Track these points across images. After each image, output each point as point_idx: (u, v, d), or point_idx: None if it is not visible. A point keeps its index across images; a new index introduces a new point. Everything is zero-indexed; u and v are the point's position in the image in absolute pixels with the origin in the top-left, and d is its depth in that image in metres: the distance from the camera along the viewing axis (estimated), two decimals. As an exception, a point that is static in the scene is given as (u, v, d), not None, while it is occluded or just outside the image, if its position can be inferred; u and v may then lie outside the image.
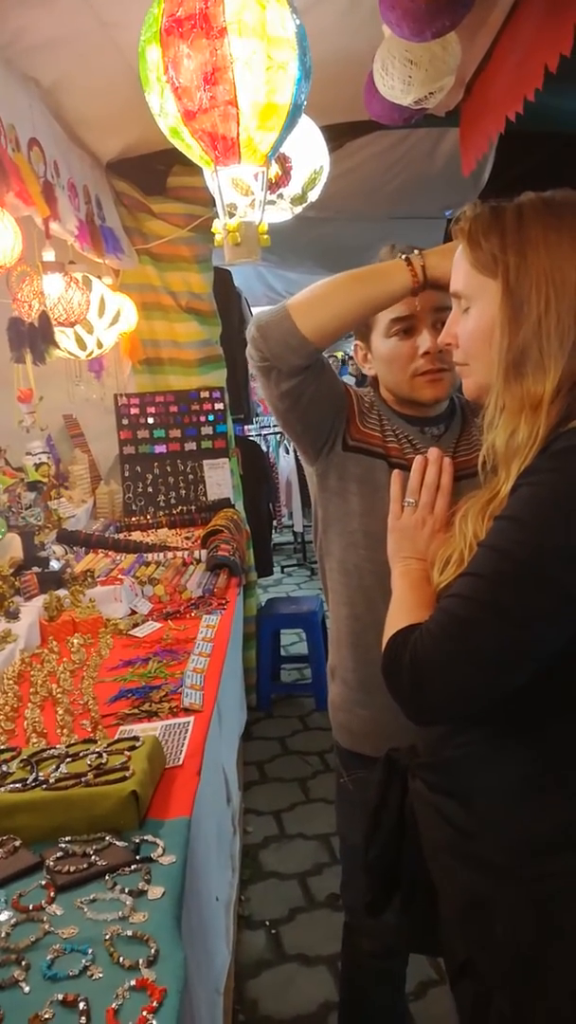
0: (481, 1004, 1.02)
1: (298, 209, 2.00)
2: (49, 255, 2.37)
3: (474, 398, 1.09)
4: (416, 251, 1.35)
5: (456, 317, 1.09)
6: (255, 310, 4.80)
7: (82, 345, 2.85)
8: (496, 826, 1.01)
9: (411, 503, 1.22)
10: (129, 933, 0.98)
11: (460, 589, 0.95)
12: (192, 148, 1.31)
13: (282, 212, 1.99)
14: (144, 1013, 0.85)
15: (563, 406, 0.95)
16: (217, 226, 1.37)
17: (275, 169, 1.84)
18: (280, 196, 1.92)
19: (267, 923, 2.50)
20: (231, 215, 1.37)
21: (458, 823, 1.04)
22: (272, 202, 1.93)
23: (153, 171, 3.46)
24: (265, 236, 1.39)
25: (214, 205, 1.38)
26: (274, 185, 1.87)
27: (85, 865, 1.12)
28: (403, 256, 1.34)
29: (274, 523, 6.69)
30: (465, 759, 1.04)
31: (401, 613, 1.06)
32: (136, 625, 2.27)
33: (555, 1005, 0.95)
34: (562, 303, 0.95)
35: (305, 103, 1.34)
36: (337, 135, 3.01)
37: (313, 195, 1.99)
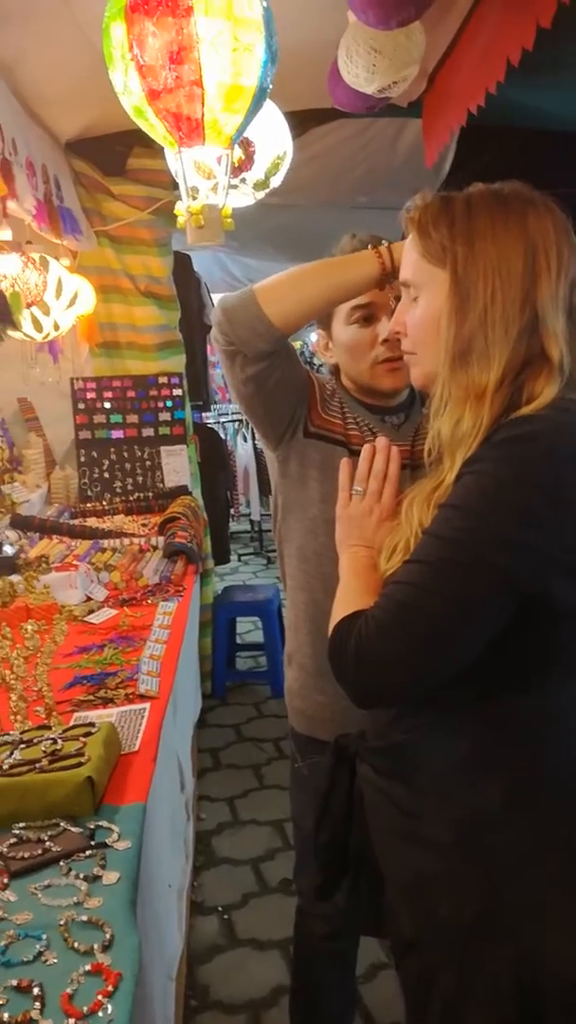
0: (425, 982, 1.04)
1: (260, 194, 1.99)
2: (6, 234, 2.32)
3: (421, 386, 1.11)
4: (384, 242, 1.36)
5: (405, 306, 1.10)
6: (215, 296, 4.76)
7: (38, 327, 2.80)
8: (440, 804, 1.03)
9: (359, 491, 1.22)
10: (84, 918, 0.97)
11: (404, 576, 0.97)
12: (156, 128, 1.29)
13: (244, 197, 1.97)
14: (99, 997, 0.85)
15: (507, 396, 0.97)
16: (180, 208, 1.35)
17: (238, 153, 1.83)
18: (243, 180, 1.91)
19: (219, 908, 2.51)
20: (193, 198, 1.36)
21: (403, 804, 1.06)
22: (235, 186, 1.91)
23: (113, 152, 3.41)
24: (229, 220, 1.38)
25: (175, 188, 1.37)
26: (237, 169, 1.85)
27: (39, 851, 1.10)
28: (372, 246, 1.35)
29: (231, 511, 6.68)
30: (411, 742, 1.06)
31: (347, 599, 1.07)
32: (92, 612, 2.24)
33: (496, 981, 0.97)
34: (508, 293, 0.96)
35: (271, 88, 1.33)
36: (301, 121, 2.99)
37: (276, 181, 1.98)
